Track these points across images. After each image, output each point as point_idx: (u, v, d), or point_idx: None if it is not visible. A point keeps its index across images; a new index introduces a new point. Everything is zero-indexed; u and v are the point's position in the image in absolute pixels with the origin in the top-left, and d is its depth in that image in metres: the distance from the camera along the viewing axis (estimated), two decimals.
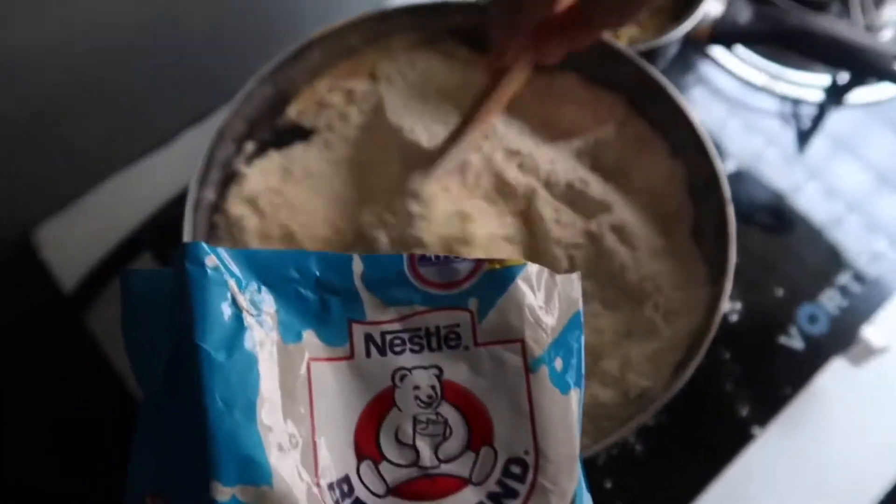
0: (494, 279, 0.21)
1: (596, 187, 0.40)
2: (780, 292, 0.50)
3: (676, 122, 0.41)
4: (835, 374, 0.48)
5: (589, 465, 0.43)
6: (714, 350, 0.43)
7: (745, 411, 0.47)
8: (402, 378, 0.20)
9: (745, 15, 0.47)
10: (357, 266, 0.21)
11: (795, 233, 0.53)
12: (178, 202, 0.54)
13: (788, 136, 0.57)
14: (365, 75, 0.46)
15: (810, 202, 0.54)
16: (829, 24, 0.46)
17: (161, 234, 0.52)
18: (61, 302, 0.54)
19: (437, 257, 0.21)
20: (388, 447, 0.20)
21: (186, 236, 0.37)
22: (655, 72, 0.42)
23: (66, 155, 0.57)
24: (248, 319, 0.19)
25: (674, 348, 0.37)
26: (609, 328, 0.37)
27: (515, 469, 0.20)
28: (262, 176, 0.42)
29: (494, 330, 0.21)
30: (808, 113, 0.58)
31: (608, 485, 0.44)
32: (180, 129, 0.60)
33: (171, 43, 0.56)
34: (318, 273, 0.20)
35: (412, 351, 0.21)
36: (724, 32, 0.48)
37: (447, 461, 0.20)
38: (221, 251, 0.20)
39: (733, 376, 0.47)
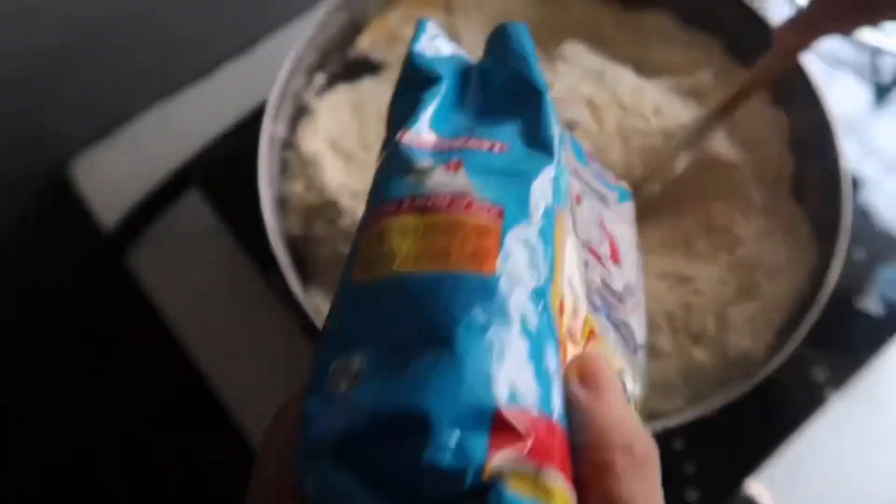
0: None
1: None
2: (860, 254, 0.48)
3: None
4: None
5: None
6: None
7: (821, 375, 0.45)
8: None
9: None
10: None
11: (875, 191, 0.50)
12: (231, 135, 0.51)
13: (864, 90, 0.54)
14: (440, 6, 0.43)
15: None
16: None
17: (212, 169, 0.49)
18: (101, 241, 0.52)
19: None
20: None
21: (262, 175, 0.35)
22: (762, 11, 0.38)
23: (105, 83, 0.54)
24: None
25: (776, 309, 0.35)
26: (706, 282, 0.35)
27: None
28: (333, 111, 0.39)
29: None
30: (891, 65, 0.55)
31: (678, 446, 0.43)
32: (225, 57, 0.57)
33: None
34: None
35: None
36: None
37: None
38: None
39: (810, 339, 0.46)
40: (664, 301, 0.35)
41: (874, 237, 0.49)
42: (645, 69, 0.41)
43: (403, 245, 0.16)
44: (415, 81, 0.21)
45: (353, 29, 0.41)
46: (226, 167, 0.48)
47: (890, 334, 0.46)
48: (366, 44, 0.42)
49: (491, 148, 0.18)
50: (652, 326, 0.34)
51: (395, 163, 0.19)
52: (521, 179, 0.18)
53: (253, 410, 0.45)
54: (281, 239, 0.35)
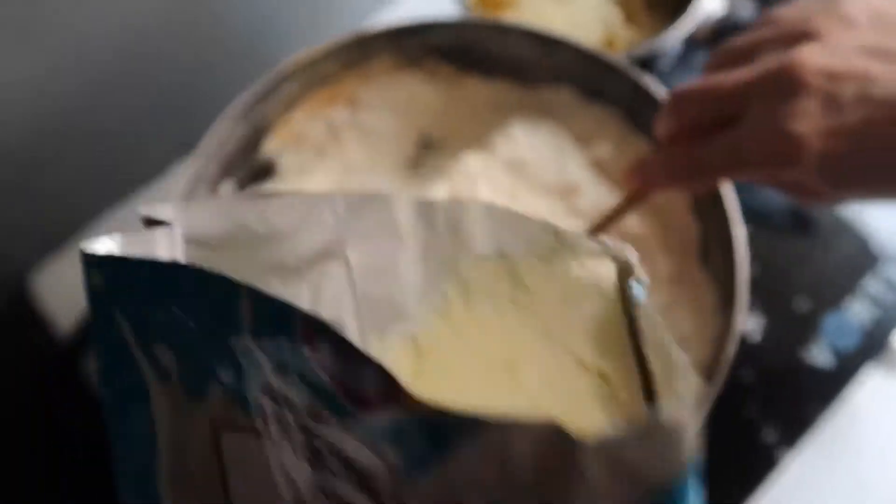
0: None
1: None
2: (803, 303, 0.47)
3: None
4: (866, 389, 0.44)
5: None
6: (734, 373, 0.40)
7: (771, 436, 0.44)
8: None
9: (748, 9, 0.44)
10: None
11: (817, 233, 0.49)
12: None
13: None
14: (344, 102, 0.44)
15: None
16: None
17: None
18: (56, 351, 0.53)
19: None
20: None
21: None
22: (652, 85, 0.39)
23: (52, 196, 0.56)
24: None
25: None
26: None
27: None
28: None
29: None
30: None
31: None
32: (170, 159, 0.59)
33: (149, 76, 0.54)
34: None
35: None
36: (727, 33, 0.45)
37: None
38: None
39: (757, 399, 0.44)
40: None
41: (816, 282, 0.48)
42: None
43: None
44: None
45: (257, 135, 0.42)
46: None
47: (841, 385, 0.45)
48: (271, 148, 0.43)
49: None
50: None
51: None
52: None
53: None
54: None
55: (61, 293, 0.56)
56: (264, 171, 0.43)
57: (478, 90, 0.44)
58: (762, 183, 0.31)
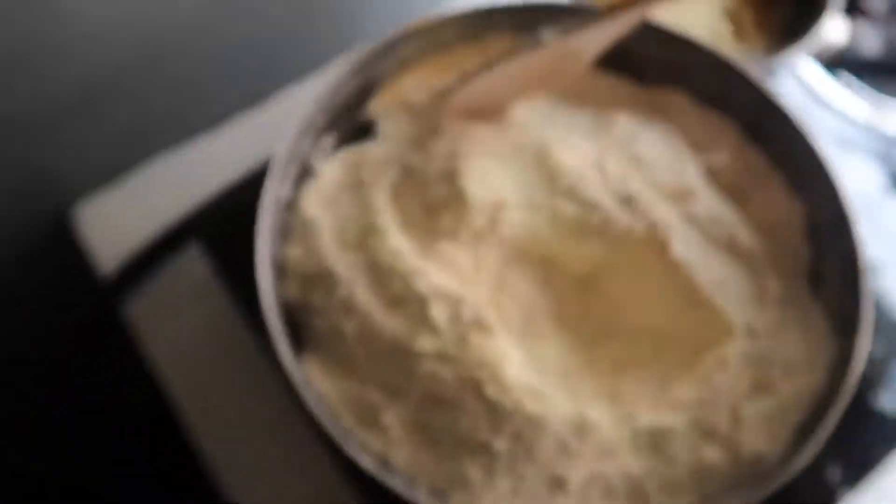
0: None
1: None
2: (874, 348, 0.46)
3: (803, 155, 0.37)
4: None
5: None
6: None
7: (835, 475, 0.43)
8: None
9: (871, 42, 0.43)
10: None
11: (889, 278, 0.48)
12: (236, 191, 0.51)
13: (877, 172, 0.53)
14: (453, 71, 0.42)
15: None
16: None
17: (214, 223, 0.48)
18: (98, 288, 0.50)
19: None
20: None
21: (262, 235, 0.34)
22: (781, 98, 0.38)
23: (112, 130, 0.53)
24: None
25: (792, 408, 0.33)
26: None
27: None
28: (340, 173, 0.38)
29: None
30: None
31: None
32: (236, 110, 0.57)
33: (231, 24, 0.52)
34: None
35: None
36: (848, 62, 0.44)
37: None
38: None
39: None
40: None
41: (889, 328, 0.47)
42: None
43: None
44: None
45: (364, 92, 0.41)
46: (228, 223, 0.47)
47: None
48: (377, 107, 0.41)
49: None
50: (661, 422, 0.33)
51: None
52: None
53: (239, 478, 0.42)
54: (276, 304, 0.34)
55: (107, 230, 0.53)
56: (364, 131, 0.41)
57: (591, 81, 0.43)
58: None
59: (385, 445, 0.32)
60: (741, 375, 0.33)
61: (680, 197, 0.38)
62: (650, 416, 0.33)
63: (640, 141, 0.39)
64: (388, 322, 0.34)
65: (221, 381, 0.46)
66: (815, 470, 0.43)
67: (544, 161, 0.38)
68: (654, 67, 0.42)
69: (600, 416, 0.32)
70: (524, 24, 0.41)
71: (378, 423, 0.33)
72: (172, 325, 0.48)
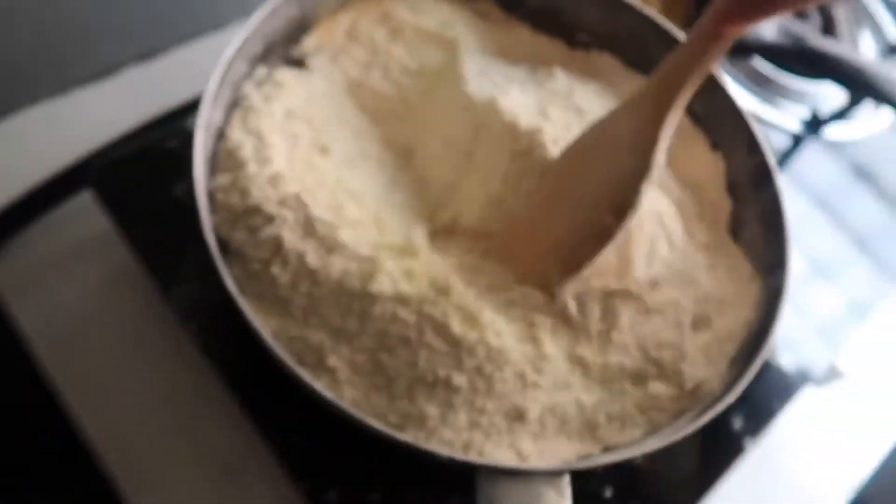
0: None
1: None
2: None
3: (722, 114, 0.40)
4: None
5: (589, 473, 0.40)
6: None
7: (738, 424, 0.46)
8: None
9: (770, 29, 0.48)
10: None
11: None
12: (132, 137, 0.46)
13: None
14: (384, 21, 0.41)
15: None
16: (849, 50, 0.47)
17: (112, 170, 0.43)
18: None
19: None
20: None
21: (197, 162, 0.30)
22: None
23: None
24: None
25: (727, 340, 0.35)
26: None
27: None
28: (271, 105, 0.36)
29: None
30: (779, 143, 0.60)
31: (608, 493, 0.41)
32: (122, 60, 0.52)
33: None
34: None
35: None
36: (749, 42, 0.48)
37: None
38: None
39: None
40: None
41: None
42: None
43: None
44: None
45: (301, 27, 0.38)
46: (129, 168, 0.43)
47: (798, 387, 0.48)
48: (312, 44, 0.39)
49: None
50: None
51: None
52: None
53: (131, 463, 0.37)
54: (213, 236, 0.31)
55: None
56: (296, 66, 0.39)
57: (523, 40, 0.43)
58: None
59: (332, 387, 0.30)
60: (683, 313, 0.35)
61: None
62: (599, 355, 0.33)
63: (576, 94, 0.40)
64: (332, 265, 0.32)
65: (113, 347, 0.41)
66: (722, 421, 0.45)
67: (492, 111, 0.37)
68: (584, 30, 0.43)
69: (555, 350, 0.32)
70: None
71: (323, 365, 0.31)
72: (47, 288, 0.42)
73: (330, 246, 0.32)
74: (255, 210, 0.32)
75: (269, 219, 0.32)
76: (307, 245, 0.32)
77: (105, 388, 0.40)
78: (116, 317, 0.42)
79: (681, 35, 0.41)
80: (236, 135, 0.34)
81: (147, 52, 0.53)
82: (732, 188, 0.40)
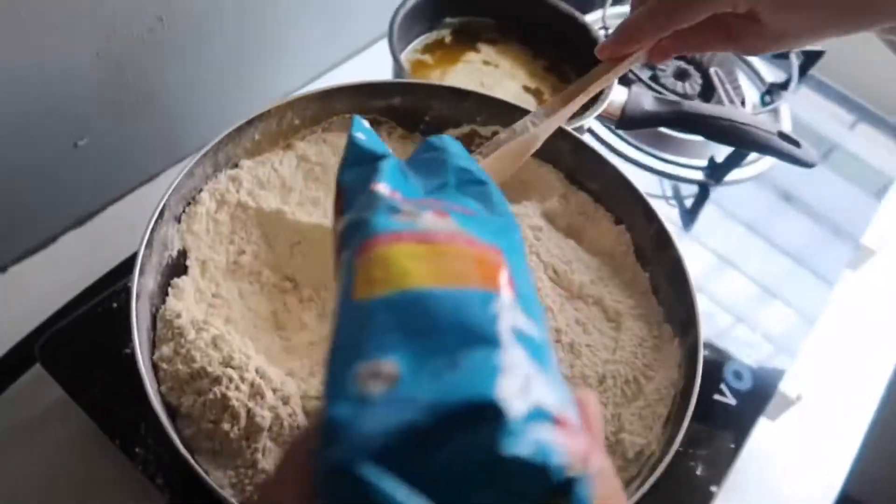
0: None
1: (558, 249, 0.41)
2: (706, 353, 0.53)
3: (616, 189, 0.44)
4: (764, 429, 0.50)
5: None
6: None
7: (700, 470, 0.47)
8: None
9: (647, 100, 0.52)
10: None
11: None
12: (75, 303, 0.47)
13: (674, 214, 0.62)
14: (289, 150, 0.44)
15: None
16: (719, 108, 0.52)
17: (57, 341, 0.44)
18: None
19: None
20: None
21: (135, 336, 0.32)
22: (593, 145, 0.44)
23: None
24: None
25: (659, 402, 0.37)
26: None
27: None
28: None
29: None
30: (689, 193, 0.65)
31: None
32: (67, 230, 0.54)
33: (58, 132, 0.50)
34: None
35: None
36: (632, 116, 0.52)
37: None
38: None
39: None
40: None
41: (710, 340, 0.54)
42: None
43: (415, 266, 0.18)
44: (360, 159, 0.25)
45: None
46: (74, 337, 0.44)
47: (748, 419, 0.50)
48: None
49: (462, 211, 0.22)
50: None
51: (376, 206, 0.21)
52: (503, 232, 0.22)
53: None
54: (161, 406, 0.32)
55: None
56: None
57: None
58: (717, 44, 0.36)
59: None
60: (617, 387, 0.37)
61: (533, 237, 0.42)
62: None
63: None
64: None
65: None
66: (686, 469, 0.47)
67: None
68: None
69: None
70: (365, 102, 0.45)
71: None
72: (14, 458, 0.43)
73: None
74: (200, 374, 0.33)
75: (215, 380, 0.33)
76: (254, 401, 0.33)
77: None
78: (85, 476, 0.42)
79: (566, 127, 0.45)
80: (172, 302, 0.36)
81: (82, 217, 0.55)
82: (641, 255, 0.43)
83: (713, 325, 0.55)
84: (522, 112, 0.45)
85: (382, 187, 0.22)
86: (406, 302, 0.17)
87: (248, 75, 0.59)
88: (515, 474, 0.14)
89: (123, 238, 0.52)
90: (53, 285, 0.50)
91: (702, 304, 0.38)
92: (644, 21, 0.35)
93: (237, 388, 0.32)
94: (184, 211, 0.39)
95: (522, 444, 0.14)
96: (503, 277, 0.19)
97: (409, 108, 0.46)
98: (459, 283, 0.18)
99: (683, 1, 0.33)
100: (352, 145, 0.26)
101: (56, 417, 0.44)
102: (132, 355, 0.32)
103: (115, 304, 0.45)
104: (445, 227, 0.20)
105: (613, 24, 0.73)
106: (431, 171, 0.25)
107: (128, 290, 0.33)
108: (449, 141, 0.26)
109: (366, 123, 0.27)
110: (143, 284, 0.34)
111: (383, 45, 0.53)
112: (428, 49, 0.59)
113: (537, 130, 0.36)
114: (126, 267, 0.49)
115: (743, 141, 0.53)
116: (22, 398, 0.45)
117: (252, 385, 0.32)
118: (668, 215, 0.61)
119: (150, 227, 0.35)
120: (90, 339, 0.44)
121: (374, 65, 0.58)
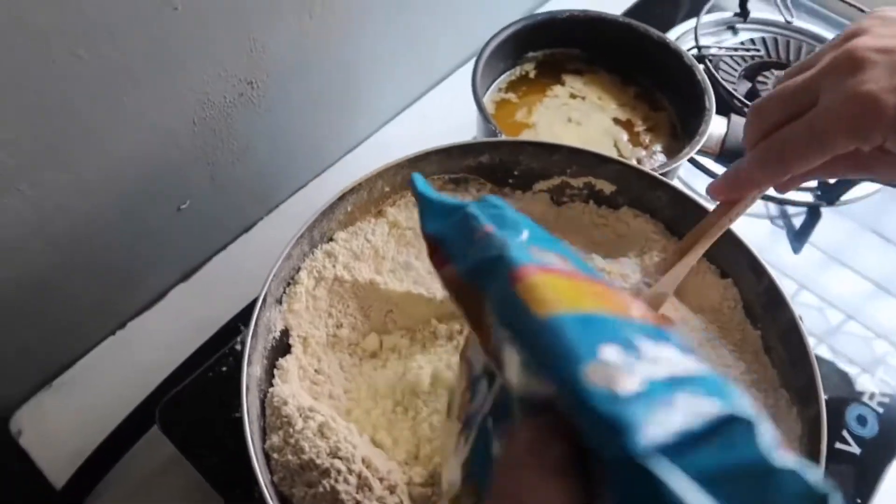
0: None
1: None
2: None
3: (720, 242, 0.41)
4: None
5: None
6: None
7: None
8: None
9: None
10: None
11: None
12: (188, 365, 0.50)
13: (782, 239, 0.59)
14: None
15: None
16: None
17: (172, 406, 0.46)
18: (54, 498, 0.47)
19: None
20: None
21: (247, 428, 0.33)
22: (693, 196, 0.42)
23: (44, 327, 0.51)
24: None
25: None
26: None
27: None
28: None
29: None
30: (797, 214, 0.61)
31: None
32: (166, 288, 0.56)
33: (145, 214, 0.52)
34: None
35: None
36: (732, 150, 0.49)
37: None
38: None
39: None
40: None
41: (829, 377, 0.51)
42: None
43: (575, 294, 0.20)
44: (440, 210, 0.27)
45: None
46: (187, 400, 0.46)
47: (875, 470, 0.47)
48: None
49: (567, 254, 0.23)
50: None
51: (504, 245, 0.22)
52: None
53: None
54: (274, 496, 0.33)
55: (50, 434, 0.51)
56: None
57: (520, 206, 0.46)
58: (847, 172, 0.33)
59: None
60: None
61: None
62: None
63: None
64: None
65: None
66: None
67: None
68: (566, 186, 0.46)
69: None
70: (453, 164, 0.45)
71: None
72: None
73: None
74: (309, 466, 0.34)
75: (324, 472, 0.33)
76: (362, 493, 0.33)
77: None
78: None
79: (661, 177, 0.43)
80: (279, 388, 0.37)
81: (187, 271, 0.58)
82: (749, 311, 0.41)
83: (829, 385, 0.51)
84: (613, 163, 0.43)
85: (493, 229, 0.23)
86: (590, 320, 0.18)
87: (332, 121, 0.60)
88: (784, 483, 0.15)
89: (227, 288, 0.54)
90: (165, 338, 0.53)
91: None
92: (754, 171, 0.33)
93: (345, 480, 0.33)
94: (284, 292, 0.40)
95: (785, 457, 0.15)
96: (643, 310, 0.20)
97: (497, 165, 0.45)
98: (621, 313, 0.19)
99: (799, 145, 0.31)
100: (425, 199, 0.27)
101: (172, 472, 0.47)
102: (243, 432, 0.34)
103: (224, 368, 0.47)
104: (571, 268, 0.22)
105: (707, 34, 0.69)
106: (503, 225, 0.25)
107: (238, 369, 0.34)
108: (504, 202, 0.26)
109: (423, 179, 0.29)
110: (251, 374, 0.35)
111: (465, 72, 0.52)
112: (512, 87, 0.58)
113: (656, 290, 0.36)
114: (233, 330, 0.51)
115: None
116: (142, 455, 0.48)
117: (359, 477, 0.33)
118: (775, 234, 0.58)
119: (256, 315, 0.36)
120: (204, 401, 0.46)
121: (457, 97, 0.57)
